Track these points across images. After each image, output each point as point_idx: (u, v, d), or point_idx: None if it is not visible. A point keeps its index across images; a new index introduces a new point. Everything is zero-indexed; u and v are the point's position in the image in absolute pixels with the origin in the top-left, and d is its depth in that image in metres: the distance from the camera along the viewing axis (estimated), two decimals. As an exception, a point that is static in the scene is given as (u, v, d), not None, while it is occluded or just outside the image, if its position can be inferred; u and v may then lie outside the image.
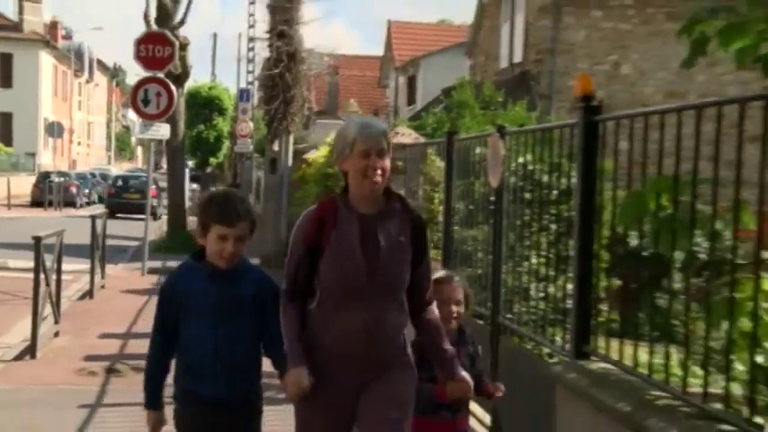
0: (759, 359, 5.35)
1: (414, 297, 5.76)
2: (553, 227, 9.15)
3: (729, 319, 5.49)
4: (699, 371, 5.92)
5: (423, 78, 43.66)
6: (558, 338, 8.02)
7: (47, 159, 66.94)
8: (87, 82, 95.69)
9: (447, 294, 6.37)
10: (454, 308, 6.41)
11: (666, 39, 24.15)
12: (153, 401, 5.78)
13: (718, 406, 5.50)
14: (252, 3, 35.14)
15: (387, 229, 5.50)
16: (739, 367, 5.57)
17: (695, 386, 5.82)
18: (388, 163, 5.48)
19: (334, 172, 21.27)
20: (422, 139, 15.98)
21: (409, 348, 5.82)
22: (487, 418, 9.60)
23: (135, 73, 30.31)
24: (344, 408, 5.60)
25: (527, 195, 9.51)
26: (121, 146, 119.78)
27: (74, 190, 53.07)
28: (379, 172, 5.36)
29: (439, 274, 6.62)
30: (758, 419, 5.15)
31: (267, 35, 25.66)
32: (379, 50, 58.21)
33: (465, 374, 5.81)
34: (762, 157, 5.00)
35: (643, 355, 6.58)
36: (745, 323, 5.48)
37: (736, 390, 5.50)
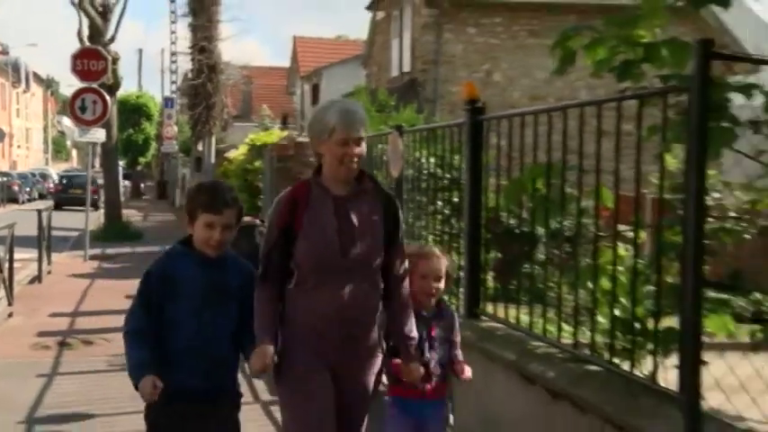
0: (617, 312, 5.54)
1: (387, 277, 5.14)
2: (445, 211, 9.30)
3: (593, 280, 5.73)
4: (568, 327, 6.11)
5: (325, 86, 43.60)
6: (452, 301, 7.90)
7: (-11, 162, 65.84)
8: (24, 92, 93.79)
9: (430, 268, 5.53)
10: (434, 283, 5.54)
11: (529, 51, 24.53)
12: (143, 369, 4.66)
13: (586, 351, 5.74)
14: (173, 22, 34.78)
15: (359, 208, 4.92)
16: (601, 320, 5.73)
17: (567, 338, 6.06)
18: (364, 147, 4.97)
19: (253, 168, 21.48)
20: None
21: (378, 329, 5.18)
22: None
23: (67, 83, 30.12)
24: (322, 387, 4.94)
25: (422, 184, 9.55)
26: (58, 148, 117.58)
27: (16, 188, 52.16)
28: (355, 159, 4.87)
29: (423, 249, 6.03)
30: (616, 360, 5.41)
31: (189, 50, 25.81)
32: (286, 62, 58.06)
33: (416, 364, 5.20)
34: (615, 148, 5.27)
35: (524, 316, 6.83)
36: (606, 283, 5.72)
37: (599, 338, 5.68)
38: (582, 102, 6.08)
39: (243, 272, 5.00)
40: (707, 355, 4.61)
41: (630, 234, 5.59)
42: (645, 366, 5.25)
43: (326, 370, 4.95)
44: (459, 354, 5.75)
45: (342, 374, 5.01)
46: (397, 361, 5.28)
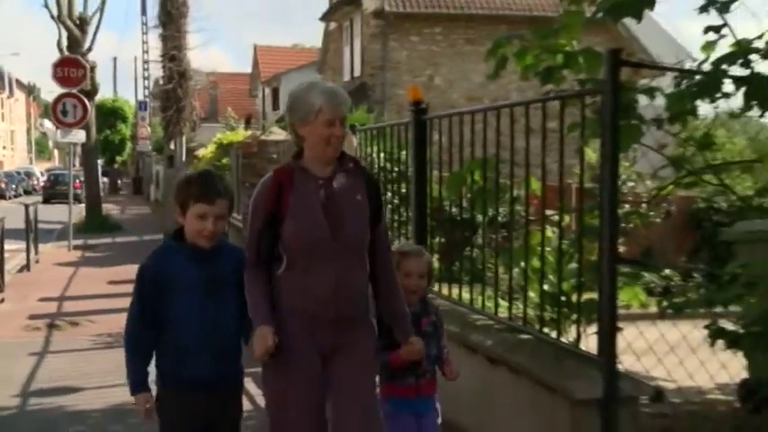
0: (546, 287, 5.66)
1: (374, 256, 4.54)
2: (395, 201, 9.38)
3: (525, 260, 5.86)
4: (504, 302, 6.23)
5: (284, 90, 43.30)
6: None
7: (-24, 163, 65.16)
8: (8, 97, 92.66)
9: (413, 267, 4.92)
10: (418, 281, 4.92)
11: (467, 57, 24.68)
12: (141, 384, 4.22)
13: (520, 323, 5.87)
14: (145, 33, 34.58)
15: (343, 188, 4.33)
16: (532, 295, 5.87)
17: (503, 311, 6.17)
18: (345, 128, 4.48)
19: (221, 164, 21.44)
20: (286, 137, 16.04)
21: (372, 309, 4.64)
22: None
23: (48, 89, 29.87)
24: (315, 376, 4.35)
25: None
26: (40, 148, 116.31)
27: (3, 185, 51.67)
28: (340, 139, 4.34)
29: (406, 247, 5.47)
30: (545, 329, 5.55)
31: (160, 58, 25.64)
32: (248, 69, 57.78)
33: (416, 338, 4.57)
34: (542, 143, 5.30)
35: (465, 294, 6.94)
36: (536, 263, 5.84)
37: (531, 311, 5.82)
38: (512, 102, 6.15)
39: (236, 257, 4.35)
40: (622, 323, 4.75)
41: (556, 218, 5.75)
42: (570, 334, 5.43)
43: (318, 356, 4.35)
44: (447, 350, 5.08)
45: (339, 355, 4.36)
46: (394, 352, 4.63)
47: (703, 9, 5.34)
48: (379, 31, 26.56)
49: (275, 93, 46.49)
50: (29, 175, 61.43)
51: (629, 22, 5.79)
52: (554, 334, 5.42)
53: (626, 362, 5.02)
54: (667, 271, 6.49)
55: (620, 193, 5.72)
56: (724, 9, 5.25)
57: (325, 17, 32.13)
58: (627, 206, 6.29)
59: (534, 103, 5.63)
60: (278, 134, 16.59)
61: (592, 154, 5.32)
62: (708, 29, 5.37)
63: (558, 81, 5.56)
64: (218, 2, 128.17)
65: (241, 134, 22.12)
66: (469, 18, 25.49)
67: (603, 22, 5.70)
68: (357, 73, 28.88)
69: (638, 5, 5.26)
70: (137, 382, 4.23)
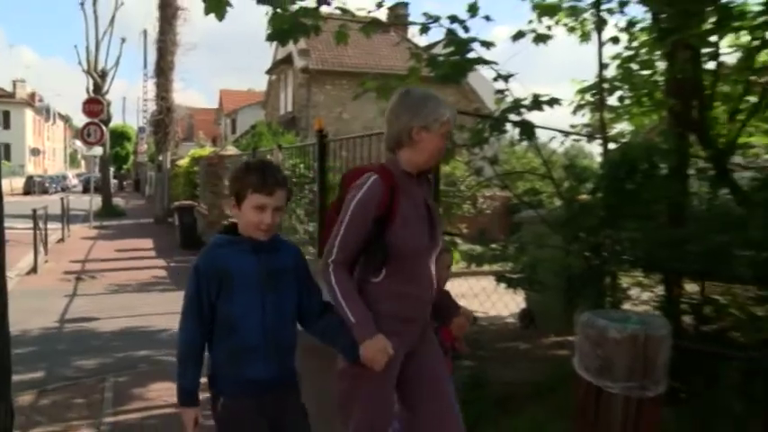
0: None
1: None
2: (310, 196, 9.56)
3: None
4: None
5: (239, 120, 43.23)
6: (311, 249, 8.02)
7: (30, 168, 63.38)
8: (52, 125, 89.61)
9: (446, 261, 3.91)
10: (447, 273, 3.88)
11: (364, 100, 24.76)
12: (192, 397, 2.83)
13: None
14: (145, 81, 34.26)
15: (426, 193, 3.09)
16: None
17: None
18: None
19: (193, 171, 21.29)
20: (238, 152, 16.12)
21: None
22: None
23: (79, 119, 29.05)
24: (395, 378, 3.03)
25: (295, 180, 9.75)
26: (72, 159, 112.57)
27: (47, 184, 50.17)
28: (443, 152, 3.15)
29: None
30: None
31: (155, 98, 25.71)
32: (215, 105, 57.19)
33: (465, 308, 3.32)
34: None
35: None
36: None
37: None
38: (379, 132, 5.91)
39: (293, 251, 2.98)
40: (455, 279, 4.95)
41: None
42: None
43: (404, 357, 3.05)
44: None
45: (419, 354, 3.08)
46: (443, 330, 3.53)
47: (495, 79, 5.61)
48: (305, 82, 26.72)
49: (233, 122, 46.17)
50: (64, 177, 59.43)
51: (471, 80, 5.96)
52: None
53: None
54: (494, 245, 6.66)
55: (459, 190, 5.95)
56: (506, 79, 5.54)
57: (270, 71, 32.17)
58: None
59: None
60: (231, 151, 16.64)
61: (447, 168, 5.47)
62: (497, 91, 5.63)
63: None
64: (195, 60, 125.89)
65: (208, 150, 21.97)
66: (362, 74, 25.67)
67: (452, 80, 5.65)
68: (289, 109, 29.00)
69: (456, 77, 5.51)
70: (188, 393, 2.81)
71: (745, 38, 5.97)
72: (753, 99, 5.94)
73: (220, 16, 5.11)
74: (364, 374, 2.86)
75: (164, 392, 5.57)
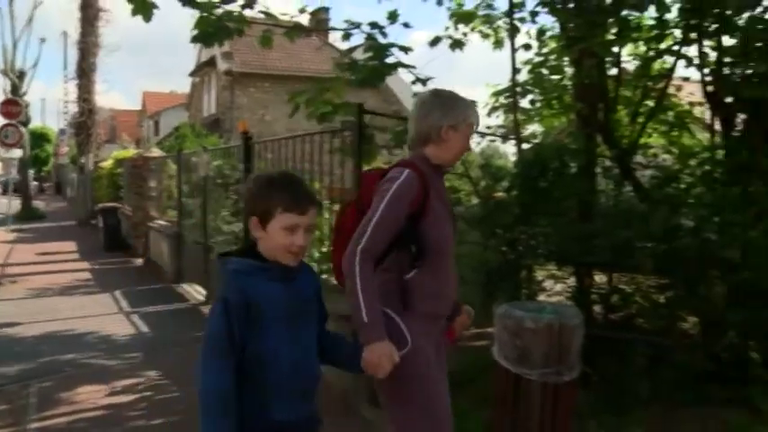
0: (324, 250, 5.85)
1: None
2: (233, 196, 9.45)
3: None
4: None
5: (162, 122, 42.23)
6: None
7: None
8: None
9: None
10: None
11: (285, 102, 24.63)
12: None
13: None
14: (66, 82, 33.07)
15: (445, 188, 2.92)
16: (317, 255, 6.05)
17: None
18: None
19: (117, 172, 20.73)
20: (163, 154, 15.76)
21: None
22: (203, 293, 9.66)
23: (-3, 121, 27.96)
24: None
25: (219, 180, 9.60)
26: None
27: (-36, 188, 47.84)
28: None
29: None
30: None
31: (76, 100, 24.83)
32: (138, 107, 55.64)
33: (467, 307, 3.00)
34: (320, 160, 5.59)
35: None
36: (317, 235, 6.04)
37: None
38: (303, 134, 6.12)
39: (313, 275, 2.44)
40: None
41: (334, 207, 6.00)
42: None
43: None
44: None
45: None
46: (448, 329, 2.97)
47: (414, 83, 5.71)
48: (228, 84, 26.31)
49: (156, 124, 45.04)
50: (-19, 181, 56.98)
51: (390, 83, 6.05)
52: (331, 279, 5.56)
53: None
54: None
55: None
56: (424, 82, 5.64)
57: (193, 73, 31.53)
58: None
59: (317, 134, 5.74)
60: (156, 152, 16.24)
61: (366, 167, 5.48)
62: (415, 94, 5.70)
63: (330, 120, 5.78)
64: (118, 61, 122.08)
65: (131, 152, 21.37)
66: (285, 76, 25.57)
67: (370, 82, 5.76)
68: (213, 111, 28.51)
69: (375, 80, 5.57)
70: None
71: (642, 48, 6.25)
72: (650, 103, 6.22)
73: (147, 18, 5.00)
74: (413, 375, 2.60)
75: (91, 395, 5.40)
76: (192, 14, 5.34)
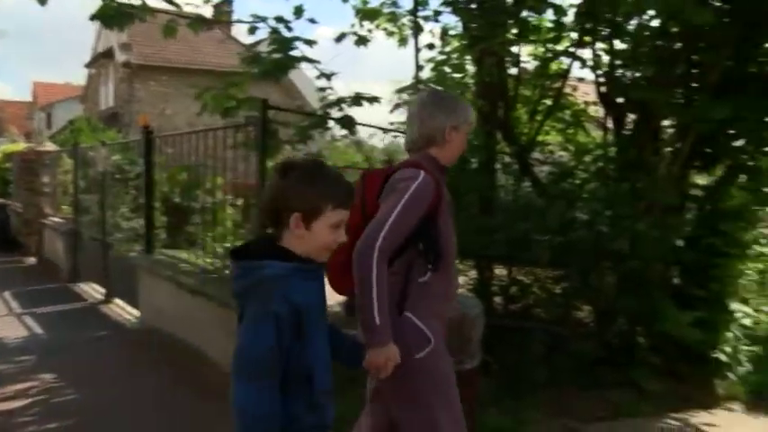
0: (227, 245, 5.68)
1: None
2: (133, 191, 9.22)
3: (213, 228, 6.01)
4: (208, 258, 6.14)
5: (56, 115, 40.34)
6: (137, 246, 7.83)
7: None
8: None
9: None
10: None
11: (187, 96, 24.17)
12: None
13: (212, 268, 5.82)
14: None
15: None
16: (219, 251, 5.83)
17: (206, 264, 6.04)
18: None
19: (5, 167, 19.70)
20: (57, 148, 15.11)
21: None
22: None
23: None
24: None
25: (118, 176, 9.39)
26: None
27: None
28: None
29: None
30: (227, 271, 5.54)
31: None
32: (28, 97, 53.01)
33: None
34: (224, 155, 5.54)
35: (184, 254, 6.85)
36: (221, 230, 6.02)
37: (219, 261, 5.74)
38: (206, 128, 5.99)
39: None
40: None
41: (237, 202, 5.98)
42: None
43: None
44: None
45: None
46: None
47: (318, 77, 5.73)
48: (127, 77, 25.44)
49: (49, 117, 42.96)
50: None
51: (295, 79, 6.02)
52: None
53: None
54: None
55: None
56: (328, 77, 5.66)
57: (89, 65, 30.27)
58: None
59: (221, 129, 5.66)
60: (49, 146, 15.54)
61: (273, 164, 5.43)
62: (320, 89, 5.75)
63: (234, 116, 5.71)
64: (4, 48, 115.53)
65: (22, 146, 20.33)
66: (186, 70, 24.99)
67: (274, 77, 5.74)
68: (111, 104, 27.51)
69: (278, 73, 5.55)
70: None
71: (541, 49, 6.51)
72: (548, 102, 6.49)
73: (42, 0, 4.81)
74: (428, 369, 2.58)
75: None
76: (91, -1, 5.18)
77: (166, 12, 5.72)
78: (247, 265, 1.95)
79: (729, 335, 5.66)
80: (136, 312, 7.74)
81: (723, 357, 5.51)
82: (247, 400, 1.87)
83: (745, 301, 6.14)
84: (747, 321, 5.91)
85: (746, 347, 5.92)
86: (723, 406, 5.46)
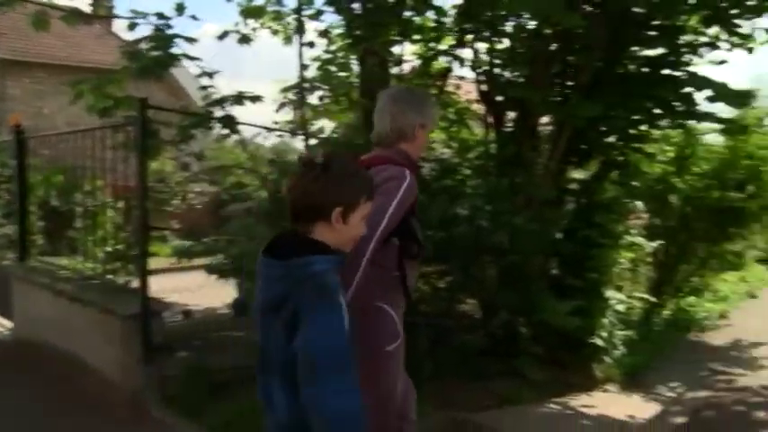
0: (109, 249, 5.52)
1: None
2: (6, 196, 8.81)
3: (94, 233, 5.81)
4: (88, 264, 5.87)
5: None
6: (10, 254, 7.38)
7: None
8: None
9: None
10: None
11: (66, 94, 23.13)
12: None
13: (91, 273, 5.64)
14: None
15: None
16: (101, 255, 5.62)
17: (88, 270, 5.81)
18: None
19: None
20: None
21: None
22: None
23: None
24: None
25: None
26: None
27: None
28: None
29: None
30: (109, 276, 5.40)
31: None
32: None
33: None
34: (102, 156, 5.34)
35: (65, 261, 6.56)
36: (102, 233, 5.81)
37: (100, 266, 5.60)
38: (83, 128, 5.71)
39: None
40: (164, 274, 4.84)
41: (118, 204, 5.79)
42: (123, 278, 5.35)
43: None
44: None
45: None
46: None
47: (200, 76, 5.64)
48: (-1, 74, 24.14)
49: None
50: None
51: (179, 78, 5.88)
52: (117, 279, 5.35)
53: (171, 298, 5.10)
54: (205, 239, 6.59)
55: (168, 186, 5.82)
56: (211, 76, 5.59)
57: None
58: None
59: (99, 129, 5.47)
60: None
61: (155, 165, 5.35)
62: (202, 87, 5.65)
63: (111, 115, 5.56)
64: None
65: None
66: (65, 66, 23.91)
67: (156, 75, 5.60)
68: (-21, 103, 26.00)
69: (157, 70, 5.43)
70: None
71: (424, 48, 6.68)
72: (432, 100, 6.66)
73: None
74: (396, 356, 2.71)
75: None
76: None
77: (37, 2, 5.50)
78: (295, 264, 1.88)
79: (605, 321, 6.01)
80: (8, 324, 7.36)
81: (600, 342, 5.85)
82: (331, 399, 1.76)
83: (618, 289, 6.56)
84: (621, 307, 6.30)
85: (621, 332, 6.32)
86: (601, 388, 5.81)
